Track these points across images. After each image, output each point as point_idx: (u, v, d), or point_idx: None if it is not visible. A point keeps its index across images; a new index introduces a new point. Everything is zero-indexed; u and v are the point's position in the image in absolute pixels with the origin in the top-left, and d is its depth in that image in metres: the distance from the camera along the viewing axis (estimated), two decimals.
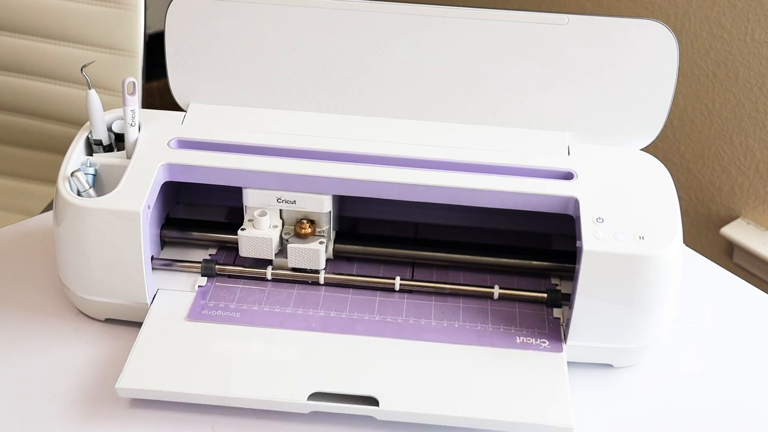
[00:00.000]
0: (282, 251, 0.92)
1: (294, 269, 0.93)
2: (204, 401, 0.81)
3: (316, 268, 0.92)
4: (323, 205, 0.90)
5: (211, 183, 0.90)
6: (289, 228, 0.92)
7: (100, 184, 0.91)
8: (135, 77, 1.00)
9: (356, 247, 0.95)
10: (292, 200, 0.90)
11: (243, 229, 0.91)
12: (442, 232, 1.00)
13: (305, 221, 0.91)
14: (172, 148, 0.91)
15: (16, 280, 0.97)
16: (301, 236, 0.91)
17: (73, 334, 0.90)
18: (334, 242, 0.94)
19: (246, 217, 0.92)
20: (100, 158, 0.91)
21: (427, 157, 0.91)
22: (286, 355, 0.85)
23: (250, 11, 0.96)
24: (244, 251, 0.92)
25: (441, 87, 0.96)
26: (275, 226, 0.91)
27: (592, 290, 0.83)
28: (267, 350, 0.85)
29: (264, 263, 0.93)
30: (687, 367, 0.90)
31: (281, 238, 0.91)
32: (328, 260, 0.94)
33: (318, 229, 0.92)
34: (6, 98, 1.39)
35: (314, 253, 0.91)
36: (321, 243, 0.91)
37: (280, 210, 0.92)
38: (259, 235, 0.90)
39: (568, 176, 0.90)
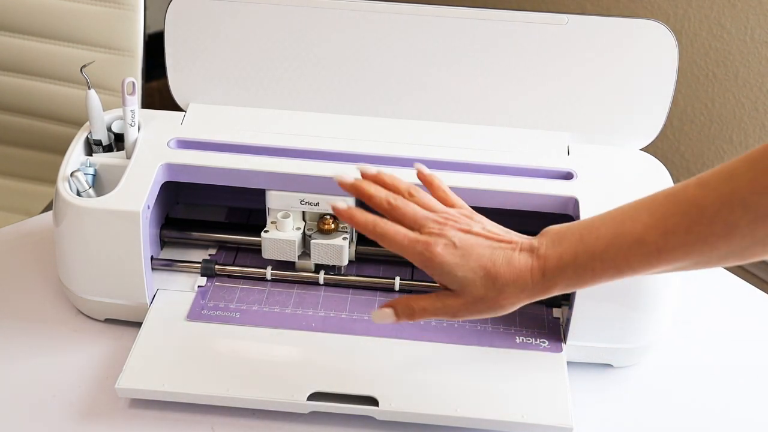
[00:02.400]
0: (305, 253, 0.92)
1: (296, 269, 0.93)
2: (204, 401, 0.81)
3: (339, 264, 0.92)
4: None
5: (211, 183, 0.90)
6: (312, 224, 0.92)
7: (99, 184, 0.91)
8: (135, 77, 1.00)
9: (357, 247, 0.95)
10: (316, 202, 0.90)
11: (266, 231, 0.91)
12: None
13: (328, 216, 0.91)
14: (171, 148, 0.91)
15: (16, 280, 0.97)
16: (324, 232, 0.91)
17: (73, 334, 0.90)
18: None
19: (269, 219, 0.92)
20: (100, 158, 0.91)
21: (427, 157, 0.91)
22: (286, 355, 0.85)
23: (250, 11, 0.96)
24: (267, 253, 0.91)
25: (441, 87, 0.96)
26: (298, 228, 0.91)
27: (592, 290, 0.83)
28: (267, 350, 0.85)
29: (264, 263, 0.93)
30: (687, 368, 0.90)
31: (304, 238, 0.91)
32: (350, 261, 0.94)
33: (341, 225, 0.91)
34: (6, 98, 1.39)
35: (338, 249, 0.90)
36: (344, 239, 0.91)
37: (303, 211, 0.91)
38: (282, 237, 0.90)
39: (568, 176, 0.90)
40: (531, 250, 0.70)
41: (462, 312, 0.72)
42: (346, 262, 0.92)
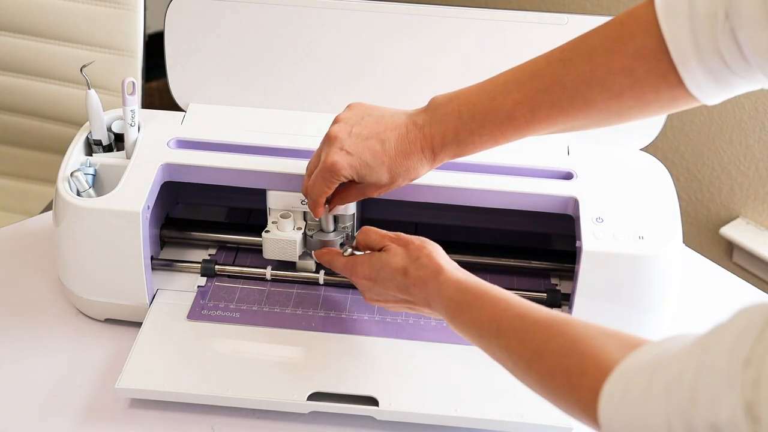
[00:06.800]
0: (306, 253, 0.92)
1: (296, 269, 0.93)
2: (204, 401, 0.81)
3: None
4: (347, 207, 0.90)
5: (211, 183, 0.90)
6: (313, 224, 0.92)
7: (99, 184, 0.91)
8: (135, 77, 1.00)
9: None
10: None
11: (267, 231, 0.90)
12: (442, 232, 1.00)
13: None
14: (171, 148, 0.91)
15: (16, 280, 0.97)
16: (326, 232, 0.91)
17: (73, 334, 0.90)
18: None
19: (269, 219, 0.91)
20: (100, 158, 0.91)
21: None
22: (286, 355, 0.85)
23: (250, 11, 0.96)
24: (268, 253, 0.91)
25: (442, 87, 0.96)
26: (298, 228, 0.91)
27: (592, 290, 0.83)
28: (267, 350, 0.85)
29: (264, 263, 0.93)
30: None
31: (305, 238, 0.91)
32: None
33: (341, 226, 0.91)
34: (6, 98, 1.39)
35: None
36: (347, 234, 0.91)
37: (304, 211, 0.91)
38: (283, 237, 0.90)
39: (568, 176, 0.90)
40: (418, 131, 0.78)
41: (380, 194, 0.83)
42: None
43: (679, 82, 0.66)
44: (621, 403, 0.53)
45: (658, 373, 0.50)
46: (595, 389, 0.56)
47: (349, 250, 0.84)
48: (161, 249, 0.96)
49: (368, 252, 0.83)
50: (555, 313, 0.66)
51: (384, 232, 0.83)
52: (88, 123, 0.93)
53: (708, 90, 0.67)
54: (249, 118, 0.96)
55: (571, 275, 0.90)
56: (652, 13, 0.66)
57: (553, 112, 0.72)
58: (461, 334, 0.73)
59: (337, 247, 0.90)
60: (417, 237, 0.81)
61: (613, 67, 0.68)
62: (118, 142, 0.95)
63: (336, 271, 0.86)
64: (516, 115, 0.73)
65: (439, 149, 0.77)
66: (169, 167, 0.89)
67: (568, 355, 0.60)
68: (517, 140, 0.76)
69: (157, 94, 2.04)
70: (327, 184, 0.80)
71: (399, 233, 0.83)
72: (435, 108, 0.78)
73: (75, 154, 0.91)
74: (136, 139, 0.91)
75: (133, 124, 0.91)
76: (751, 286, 1.02)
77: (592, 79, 0.69)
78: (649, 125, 0.95)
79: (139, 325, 0.88)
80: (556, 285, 0.94)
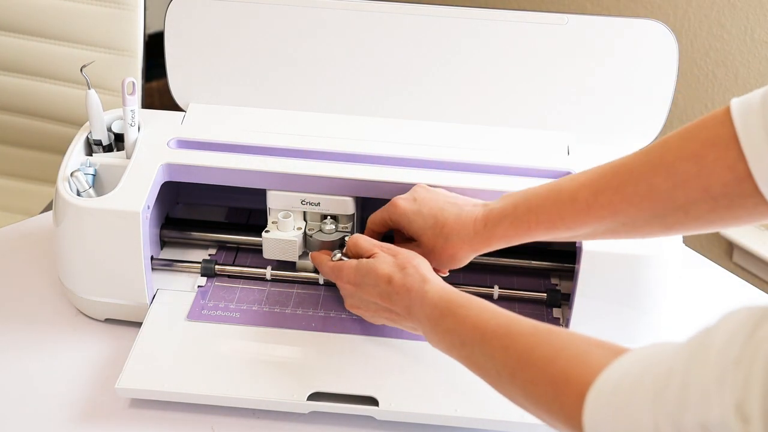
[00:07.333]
0: (305, 253, 0.92)
1: (296, 269, 0.93)
2: (204, 401, 0.81)
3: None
4: (347, 207, 0.90)
5: (211, 183, 0.90)
6: (313, 224, 0.92)
7: (99, 184, 0.91)
8: (135, 77, 1.00)
9: None
10: (317, 202, 0.90)
11: (267, 231, 0.91)
12: None
13: (329, 217, 0.91)
14: (171, 148, 0.91)
15: (16, 280, 0.97)
16: (326, 233, 0.91)
17: (73, 334, 0.90)
18: None
19: (270, 219, 0.92)
20: (100, 158, 0.91)
21: (427, 157, 0.91)
22: (286, 355, 0.85)
23: (250, 11, 0.96)
24: (268, 253, 0.91)
25: (441, 87, 0.96)
26: (299, 228, 0.91)
27: (592, 290, 0.83)
28: (267, 350, 0.85)
29: (264, 263, 0.93)
30: None
31: (305, 238, 0.91)
32: None
33: (341, 226, 0.91)
34: (6, 98, 1.39)
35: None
36: (345, 238, 0.91)
37: (304, 211, 0.91)
38: (283, 237, 0.90)
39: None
40: (482, 206, 0.80)
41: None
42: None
43: (747, 175, 0.63)
44: (607, 408, 0.53)
45: (645, 376, 0.50)
46: (580, 396, 0.56)
47: (338, 255, 0.85)
48: (161, 249, 0.96)
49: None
50: (540, 323, 0.66)
51: (374, 241, 0.83)
52: (88, 123, 0.93)
53: None
54: (249, 118, 0.96)
55: (571, 275, 0.90)
56: (728, 109, 0.65)
57: (616, 197, 0.70)
58: (440, 344, 0.73)
59: (337, 248, 0.90)
60: (407, 249, 0.82)
61: (683, 153, 0.66)
62: (118, 142, 0.95)
63: (323, 274, 0.87)
64: (578, 197, 0.72)
65: (492, 223, 0.78)
66: (169, 167, 0.89)
67: (553, 363, 0.60)
68: (574, 233, 0.74)
69: (157, 94, 2.04)
70: (381, 215, 0.86)
71: (389, 244, 0.83)
72: (503, 196, 0.80)
73: (75, 154, 0.91)
74: (136, 139, 0.91)
75: (133, 124, 0.91)
76: (751, 286, 1.02)
77: (660, 164, 0.67)
78: (649, 123, 0.95)
79: (139, 325, 0.88)
80: (556, 285, 0.94)
